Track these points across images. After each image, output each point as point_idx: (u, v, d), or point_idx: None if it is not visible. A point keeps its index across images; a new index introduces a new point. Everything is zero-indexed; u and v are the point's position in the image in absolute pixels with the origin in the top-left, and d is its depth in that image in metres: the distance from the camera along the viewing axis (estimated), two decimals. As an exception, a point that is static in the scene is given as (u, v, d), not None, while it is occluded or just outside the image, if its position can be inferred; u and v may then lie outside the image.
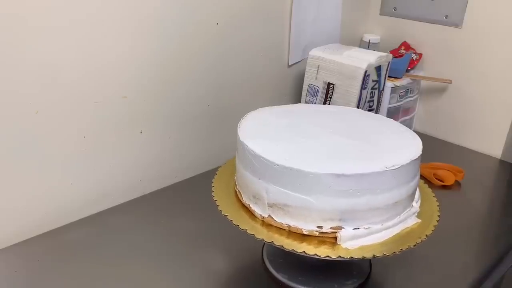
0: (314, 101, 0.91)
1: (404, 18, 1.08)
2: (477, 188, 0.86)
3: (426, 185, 0.60)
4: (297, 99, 1.02)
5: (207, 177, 0.60)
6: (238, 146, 0.53)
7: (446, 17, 1.00)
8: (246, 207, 0.53)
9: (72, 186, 0.70)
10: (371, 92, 0.90)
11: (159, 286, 0.58)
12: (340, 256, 0.46)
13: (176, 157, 0.83)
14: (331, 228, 0.47)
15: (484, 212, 0.79)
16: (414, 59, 1.05)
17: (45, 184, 0.67)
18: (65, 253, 0.63)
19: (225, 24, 0.81)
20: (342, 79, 0.86)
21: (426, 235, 0.49)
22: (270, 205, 0.49)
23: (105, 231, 0.68)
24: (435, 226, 0.51)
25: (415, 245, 0.47)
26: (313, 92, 0.90)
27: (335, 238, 0.47)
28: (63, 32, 0.61)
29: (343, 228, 0.47)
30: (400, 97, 1.01)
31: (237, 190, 0.55)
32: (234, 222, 0.50)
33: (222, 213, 0.51)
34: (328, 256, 0.46)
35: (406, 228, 0.50)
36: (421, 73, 1.05)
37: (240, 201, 0.54)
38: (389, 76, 0.95)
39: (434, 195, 0.57)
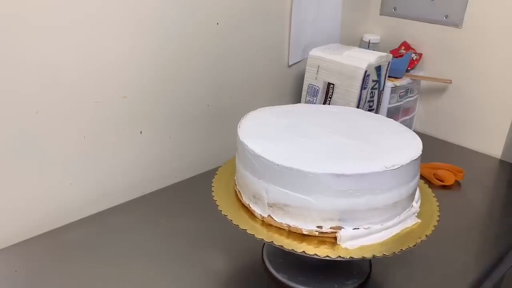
0: (314, 101, 0.91)
1: (404, 18, 1.08)
2: (477, 188, 0.86)
3: (426, 185, 0.60)
4: (297, 99, 1.02)
5: (207, 177, 0.60)
6: (238, 146, 0.53)
7: (446, 17, 1.00)
8: (246, 207, 0.53)
9: (72, 186, 0.70)
10: (371, 92, 0.90)
11: (159, 286, 0.58)
12: (339, 256, 0.46)
13: (176, 157, 0.83)
14: (331, 228, 0.47)
15: (484, 212, 0.79)
16: (414, 59, 1.05)
17: (45, 184, 0.67)
18: (65, 253, 0.63)
19: (225, 24, 0.81)
20: (342, 79, 0.86)
21: (426, 235, 0.49)
22: (270, 205, 0.49)
23: (105, 231, 0.68)
24: (435, 226, 0.51)
25: (415, 245, 0.47)
26: (313, 92, 0.90)
27: (335, 238, 0.47)
28: (63, 32, 0.61)
29: (343, 228, 0.47)
30: (400, 97, 1.01)
31: (237, 190, 0.55)
32: (234, 222, 0.50)
33: (222, 213, 0.51)
34: (327, 256, 0.46)
35: (406, 228, 0.50)
36: (421, 73, 1.05)
37: (240, 201, 0.54)
38: (389, 76, 0.95)
39: (434, 195, 0.57)
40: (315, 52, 0.89)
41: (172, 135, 0.81)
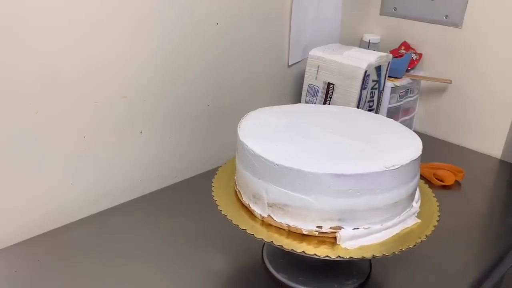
0: (314, 101, 0.91)
1: (404, 18, 1.08)
2: (477, 188, 0.86)
3: (426, 185, 0.60)
4: (297, 99, 1.02)
5: (207, 177, 0.60)
6: (238, 146, 0.53)
7: (446, 17, 1.00)
8: (246, 207, 0.53)
9: (72, 186, 0.70)
10: (371, 92, 0.90)
11: (159, 286, 0.58)
12: (339, 256, 0.46)
13: (176, 157, 0.83)
14: (330, 228, 0.47)
15: (484, 212, 0.79)
16: (414, 59, 1.05)
17: (45, 184, 0.67)
18: (65, 253, 0.63)
19: (225, 24, 0.81)
20: (342, 79, 0.86)
21: (426, 235, 0.49)
22: (270, 205, 0.49)
23: (105, 231, 0.68)
24: (435, 226, 0.51)
25: (414, 245, 0.47)
26: (313, 92, 0.90)
27: (335, 238, 0.47)
28: (63, 32, 0.61)
29: (343, 228, 0.47)
30: (400, 97, 1.01)
31: (237, 190, 0.55)
32: (233, 222, 0.50)
33: (222, 212, 0.51)
34: (327, 256, 0.46)
35: (406, 228, 0.50)
36: (421, 73, 1.05)
37: (240, 201, 0.54)
38: (389, 76, 0.95)
39: (434, 195, 0.57)
40: (315, 52, 0.89)
41: (172, 135, 0.81)
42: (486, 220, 0.77)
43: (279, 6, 0.90)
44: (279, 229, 0.49)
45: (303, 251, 0.46)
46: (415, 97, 1.06)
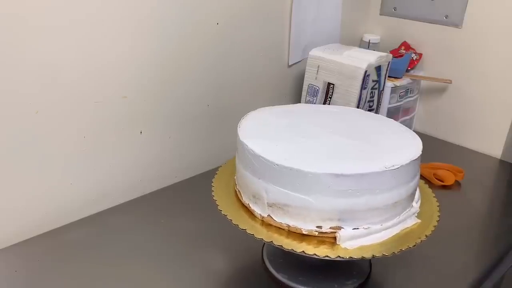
0: (314, 101, 0.91)
1: (404, 18, 1.08)
2: (477, 188, 0.86)
3: (426, 185, 0.60)
4: (297, 99, 1.02)
5: (207, 177, 0.60)
6: (238, 146, 0.53)
7: (446, 17, 1.00)
8: (246, 207, 0.53)
9: (72, 186, 0.70)
10: (371, 92, 0.90)
11: (159, 286, 0.58)
12: (339, 256, 0.46)
13: (176, 157, 0.83)
14: (330, 228, 0.47)
15: (484, 212, 0.79)
16: (414, 59, 1.05)
17: (45, 184, 0.67)
18: (65, 253, 0.63)
19: (225, 24, 0.81)
20: (342, 79, 0.86)
21: (426, 236, 0.49)
22: (270, 205, 0.49)
23: (105, 231, 0.68)
24: (435, 226, 0.51)
25: (414, 245, 0.47)
26: (313, 92, 0.90)
27: (335, 238, 0.47)
28: (63, 32, 0.61)
29: (343, 228, 0.47)
30: (400, 97, 1.01)
31: (237, 190, 0.55)
32: (233, 222, 0.50)
33: (222, 212, 0.51)
34: (327, 256, 0.46)
35: (405, 228, 0.50)
36: (421, 73, 1.05)
37: (240, 201, 0.54)
38: (389, 76, 0.95)
39: (434, 195, 0.57)
40: (315, 52, 0.89)
41: (172, 135, 0.81)
42: (486, 220, 0.77)
43: (279, 6, 0.90)
44: (279, 229, 0.49)
45: (303, 251, 0.46)
46: (415, 97, 1.06)
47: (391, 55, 0.92)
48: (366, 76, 0.84)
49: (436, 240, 0.53)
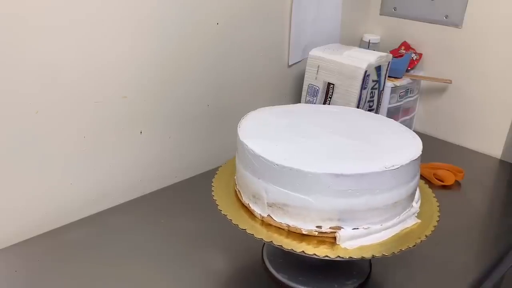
0: (314, 101, 0.91)
1: (404, 18, 1.08)
2: (477, 188, 0.86)
3: (427, 185, 0.60)
4: (297, 99, 1.02)
5: (207, 177, 0.60)
6: (238, 146, 0.53)
7: (446, 17, 1.00)
8: (246, 207, 0.53)
9: (72, 186, 0.70)
10: (371, 92, 0.90)
11: (159, 286, 0.58)
12: (339, 256, 0.46)
13: (176, 157, 0.83)
14: (330, 228, 0.47)
15: (484, 212, 0.79)
16: (414, 59, 1.05)
17: (45, 184, 0.67)
18: (65, 253, 0.63)
19: (225, 24, 0.81)
20: (342, 79, 0.86)
21: (426, 236, 0.49)
22: (270, 205, 0.49)
23: (105, 231, 0.68)
24: (435, 226, 0.51)
25: (414, 245, 0.47)
26: (313, 92, 0.90)
27: (334, 238, 0.47)
28: (63, 32, 0.61)
29: (342, 228, 0.47)
30: (400, 97, 1.01)
31: (237, 190, 0.55)
32: (233, 222, 0.50)
33: (222, 212, 0.51)
34: (327, 256, 0.46)
35: (405, 228, 0.50)
36: (421, 73, 1.05)
37: (240, 200, 0.54)
38: (389, 76, 0.95)
39: (434, 195, 0.57)
40: (315, 52, 0.89)
41: (172, 135, 0.81)
42: (486, 220, 0.77)
43: (279, 6, 0.90)
44: (279, 229, 0.49)
45: (303, 251, 0.46)
46: (415, 97, 1.06)
47: (391, 55, 0.92)
48: (366, 76, 0.84)
49: (436, 240, 0.53)
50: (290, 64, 0.98)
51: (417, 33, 1.06)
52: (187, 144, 0.84)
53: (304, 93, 0.92)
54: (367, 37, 1.07)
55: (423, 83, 1.06)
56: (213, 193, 0.55)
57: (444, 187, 0.84)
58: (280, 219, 0.49)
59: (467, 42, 0.98)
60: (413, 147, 0.51)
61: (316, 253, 0.46)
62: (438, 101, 1.06)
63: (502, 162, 0.97)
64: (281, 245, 0.47)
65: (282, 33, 0.94)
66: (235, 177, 0.57)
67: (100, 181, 0.73)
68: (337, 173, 0.45)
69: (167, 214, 0.73)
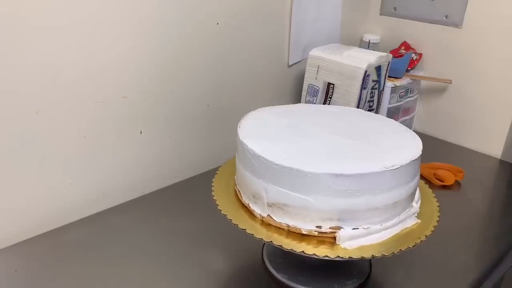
0: (314, 101, 0.91)
1: (404, 18, 1.08)
2: (477, 188, 0.86)
3: (426, 185, 0.59)
4: (297, 99, 1.02)
5: (207, 177, 0.60)
6: (238, 146, 0.53)
7: (446, 17, 1.00)
8: (246, 207, 0.53)
9: (72, 186, 0.70)
10: (371, 92, 0.90)
11: (159, 286, 0.58)
12: (338, 256, 0.46)
13: (176, 157, 0.83)
14: (330, 228, 0.47)
15: (484, 212, 0.79)
16: (414, 59, 1.05)
17: (45, 184, 0.67)
18: (65, 253, 0.63)
19: (225, 24, 0.81)
20: (342, 79, 0.86)
21: (426, 236, 0.49)
22: (270, 205, 0.49)
23: (105, 231, 0.68)
24: (434, 227, 0.51)
25: (414, 245, 0.47)
26: (313, 92, 0.90)
27: (334, 238, 0.47)
28: (63, 32, 0.61)
29: (342, 228, 0.47)
30: (400, 97, 1.01)
31: (237, 190, 0.55)
32: (233, 222, 0.50)
33: (222, 212, 0.51)
34: (327, 256, 0.46)
35: (405, 228, 0.50)
36: (421, 73, 1.05)
37: (240, 200, 0.54)
38: (389, 76, 0.95)
39: (434, 195, 0.57)
40: (315, 52, 0.89)
41: (172, 135, 0.81)
42: (486, 220, 0.77)
43: (279, 6, 0.90)
44: (279, 229, 0.49)
45: (303, 251, 0.46)
46: (415, 97, 1.06)
47: (391, 55, 0.92)
48: (366, 76, 0.84)
49: (436, 240, 0.53)
50: (290, 64, 0.98)
51: (417, 33, 1.06)
52: (187, 144, 0.84)
53: (304, 93, 0.92)
54: (367, 37, 1.07)
55: (423, 83, 1.06)
56: (213, 193, 0.55)
57: (444, 187, 0.84)
58: (280, 219, 0.49)
59: (467, 42, 0.98)
60: (413, 147, 0.51)
61: (316, 253, 0.46)
62: (438, 101, 1.06)
63: (502, 162, 0.97)
64: (281, 245, 0.47)
65: (282, 33, 0.94)
66: (235, 177, 0.57)
67: (100, 181, 0.73)
68: (337, 173, 0.45)
69: (167, 214, 0.73)
